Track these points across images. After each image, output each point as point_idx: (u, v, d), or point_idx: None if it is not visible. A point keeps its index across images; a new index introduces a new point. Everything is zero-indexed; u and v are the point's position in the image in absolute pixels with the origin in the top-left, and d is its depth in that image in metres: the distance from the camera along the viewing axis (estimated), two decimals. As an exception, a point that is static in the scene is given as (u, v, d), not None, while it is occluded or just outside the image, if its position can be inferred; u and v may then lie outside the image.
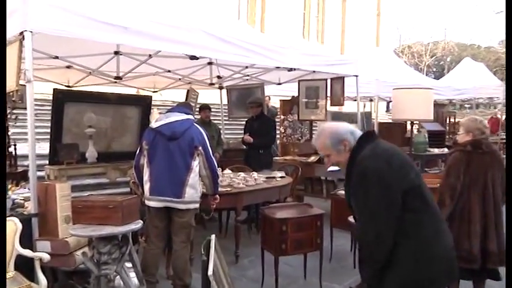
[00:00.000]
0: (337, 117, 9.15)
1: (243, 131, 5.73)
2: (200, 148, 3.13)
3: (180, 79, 6.52)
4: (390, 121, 8.21)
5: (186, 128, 3.13)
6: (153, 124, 3.14)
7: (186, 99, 6.72)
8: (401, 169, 1.79)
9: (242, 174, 4.53)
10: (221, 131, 6.20)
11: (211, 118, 5.90)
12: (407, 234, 1.75)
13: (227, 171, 4.65)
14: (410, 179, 1.79)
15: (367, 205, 1.77)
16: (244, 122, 5.82)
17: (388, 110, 16.38)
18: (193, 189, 3.10)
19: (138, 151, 3.16)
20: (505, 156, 2.72)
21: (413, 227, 1.75)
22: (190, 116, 3.24)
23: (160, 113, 7.73)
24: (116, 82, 5.98)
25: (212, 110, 6.08)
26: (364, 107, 10.46)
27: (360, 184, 1.80)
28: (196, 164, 3.10)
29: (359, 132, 1.96)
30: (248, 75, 6.46)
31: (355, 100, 6.24)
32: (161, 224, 3.13)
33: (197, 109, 6.07)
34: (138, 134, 6.02)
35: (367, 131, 1.99)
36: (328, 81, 6.11)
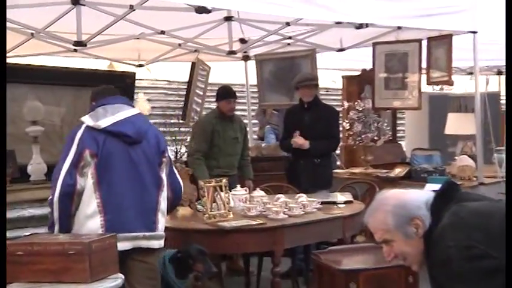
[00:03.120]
0: (439, 103, 8.99)
1: (282, 129, 5.77)
2: (167, 155, 3.34)
3: (180, 45, 6.61)
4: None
5: (147, 127, 3.28)
6: (100, 123, 3.13)
7: (191, 78, 6.80)
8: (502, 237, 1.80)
9: (282, 197, 4.53)
10: (247, 130, 6.19)
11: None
12: None
13: (257, 192, 4.67)
14: None
15: None
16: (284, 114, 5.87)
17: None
18: (164, 216, 3.31)
19: (65, 167, 3.02)
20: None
21: None
22: (137, 110, 3.39)
23: (148, 99, 7.86)
24: (75, 51, 6.13)
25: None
26: (487, 84, 10.19)
27: (447, 279, 1.83)
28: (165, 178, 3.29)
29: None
30: (290, 38, 6.48)
31: (471, 74, 6.10)
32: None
33: (209, 94, 6.11)
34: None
35: (444, 185, 2.02)
36: (424, 44, 6.06)
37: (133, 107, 3.43)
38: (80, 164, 3.04)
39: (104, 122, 3.13)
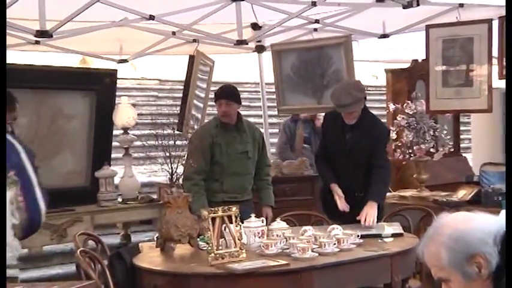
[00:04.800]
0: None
1: (306, 144, 5.75)
2: (12, 173, 3.48)
3: (174, 34, 6.68)
4: None
5: None
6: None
7: (189, 75, 6.82)
8: None
9: (310, 230, 4.53)
10: (265, 143, 6.14)
11: (245, 115, 6.00)
12: None
13: (277, 223, 4.65)
14: None
15: None
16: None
17: None
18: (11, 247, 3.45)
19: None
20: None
21: None
22: None
23: (133, 104, 7.91)
24: (37, 43, 6.20)
25: (243, 96, 6.12)
26: None
27: None
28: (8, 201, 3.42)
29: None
30: (317, 21, 6.52)
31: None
32: None
33: (212, 96, 6.13)
34: (88, 149, 6.17)
35: None
36: (495, 25, 6.04)
37: None
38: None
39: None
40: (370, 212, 5.01)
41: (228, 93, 5.46)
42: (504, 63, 6.07)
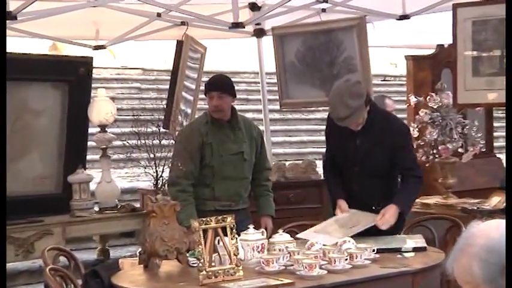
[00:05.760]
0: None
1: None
2: None
3: (159, 15, 6.69)
4: None
5: None
6: None
7: (177, 64, 6.81)
8: None
9: (318, 243, 4.53)
10: (264, 143, 6.14)
11: (242, 110, 5.98)
12: None
13: (280, 236, 4.65)
14: None
15: None
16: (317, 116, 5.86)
17: None
18: None
19: None
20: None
21: None
22: None
23: (112, 97, 7.90)
24: None
25: (240, 88, 6.11)
26: None
27: None
28: None
29: None
30: (325, 0, 6.55)
31: None
32: None
33: (202, 86, 6.13)
34: (59, 150, 6.16)
35: None
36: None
37: None
38: None
39: None
40: (388, 214, 4.98)
41: (220, 84, 5.46)
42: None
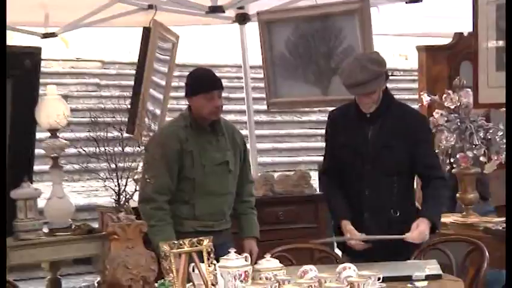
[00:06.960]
0: None
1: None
2: None
3: (120, -4, 6.70)
4: None
5: None
6: None
7: (144, 56, 6.85)
8: None
9: (313, 270, 4.56)
10: (247, 150, 6.23)
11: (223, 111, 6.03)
12: None
13: (267, 262, 4.68)
14: None
15: None
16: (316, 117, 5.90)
17: None
18: None
19: None
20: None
21: None
22: None
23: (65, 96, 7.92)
24: None
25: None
26: None
27: None
28: None
29: None
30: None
31: None
32: None
33: (177, 85, 6.17)
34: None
35: None
36: None
37: None
38: None
39: None
40: (421, 228, 5.03)
41: (220, 82, 5.55)
42: None
